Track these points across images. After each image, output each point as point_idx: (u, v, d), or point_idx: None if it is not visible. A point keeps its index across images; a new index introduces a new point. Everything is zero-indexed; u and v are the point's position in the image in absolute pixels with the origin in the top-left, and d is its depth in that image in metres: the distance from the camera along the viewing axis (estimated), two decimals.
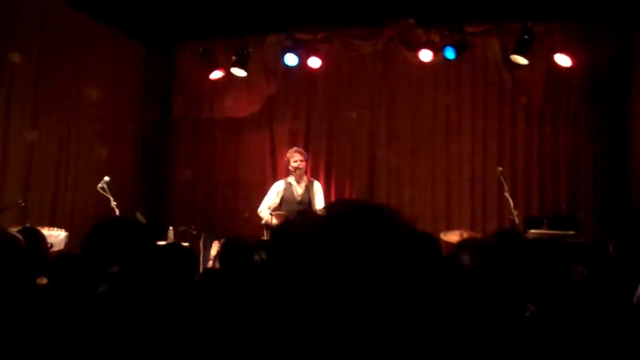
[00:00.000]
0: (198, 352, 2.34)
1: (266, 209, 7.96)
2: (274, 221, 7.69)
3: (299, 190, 8.09)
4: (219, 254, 6.00)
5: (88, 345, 2.25)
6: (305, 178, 8.18)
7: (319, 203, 7.93)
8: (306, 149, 8.96)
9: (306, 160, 8.20)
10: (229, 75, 9.50)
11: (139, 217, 7.35)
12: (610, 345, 2.14)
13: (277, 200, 8.02)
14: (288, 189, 8.09)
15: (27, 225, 5.81)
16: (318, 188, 8.15)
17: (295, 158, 8.07)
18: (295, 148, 8.47)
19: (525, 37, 8.41)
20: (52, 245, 6.03)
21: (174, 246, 4.30)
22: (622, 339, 2.21)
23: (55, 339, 2.30)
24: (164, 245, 4.72)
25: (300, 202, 7.94)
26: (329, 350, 1.24)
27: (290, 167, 8.14)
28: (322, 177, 9.18)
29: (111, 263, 2.57)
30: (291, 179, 8.10)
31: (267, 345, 1.49)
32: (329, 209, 1.37)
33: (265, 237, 7.19)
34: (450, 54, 8.88)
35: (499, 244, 2.76)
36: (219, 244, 7.81)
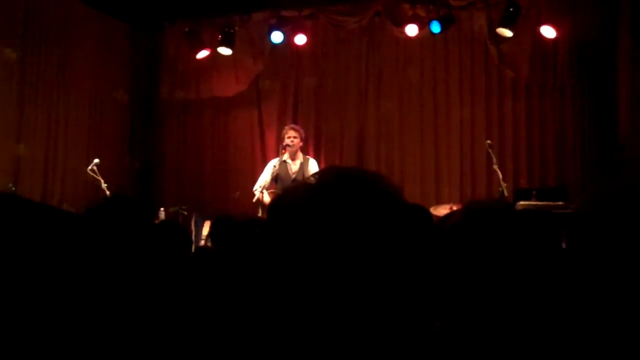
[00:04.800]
0: (191, 329, 2.35)
1: (259, 187, 7.86)
2: (266, 199, 7.66)
3: (293, 167, 8.01)
4: (210, 233, 6.03)
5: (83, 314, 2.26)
6: (300, 156, 8.09)
7: None
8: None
9: (301, 138, 8.08)
10: (215, 55, 9.47)
11: None
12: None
13: (269, 178, 7.92)
14: (282, 167, 7.97)
15: None
16: (314, 166, 8.06)
17: (289, 134, 7.97)
18: (290, 125, 8.42)
19: (511, 9, 8.42)
20: None
21: (170, 224, 4.33)
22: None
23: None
24: (159, 223, 4.74)
25: (294, 180, 7.84)
26: (324, 325, 1.24)
27: (283, 144, 8.05)
28: (311, 153, 9.16)
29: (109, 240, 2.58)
30: (286, 157, 7.99)
31: (261, 320, 1.50)
32: (319, 176, 1.35)
33: (260, 215, 7.17)
34: (436, 28, 8.86)
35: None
36: (211, 223, 7.87)
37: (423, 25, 8.89)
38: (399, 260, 1.26)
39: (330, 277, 1.22)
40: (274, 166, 7.95)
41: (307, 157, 8.31)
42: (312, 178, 1.34)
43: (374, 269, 1.23)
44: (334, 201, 1.25)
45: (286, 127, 8.28)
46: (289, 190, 1.45)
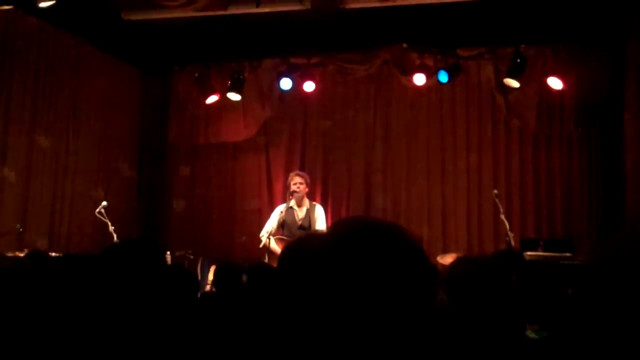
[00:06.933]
0: None
1: (266, 232, 7.84)
2: (273, 245, 7.67)
3: (300, 214, 8.04)
4: (213, 280, 6.02)
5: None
6: (307, 202, 8.12)
7: (320, 227, 7.82)
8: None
9: (307, 184, 8.13)
10: (224, 100, 9.53)
11: None
12: None
13: (276, 224, 7.88)
14: (289, 213, 7.99)
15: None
16: (320, 212, 8.09)
17: (294, 181, 8.01)
18: (296, 172, 8.46)
19: (518, 60, 8.50)
20: None
21: (178, 269, 4.32)
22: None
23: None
24: (167, 266, 4.73)
25: (300, 226, 7.88)
26: None
27: (289, 191, 8.08)
28: (318, 199, 9.16)
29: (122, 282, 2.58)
30: (292, 203, 8.02)
31: None
32: (337, 226, 1.35)
33: (266, 261, 7.15)
34: (443, 77, 8.94)
35: (497, 264, 2.77)
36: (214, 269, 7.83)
37: (431, 74, 8.97)
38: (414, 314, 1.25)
39: (346, 327, 1.22)
40: (281, 212, 7.95)
41: (314, 203, 8.32)
42: (331, 227, 1.34)
43: (391, 321, 1.22)
44: (353, 252, 1.25)
45: (292, 174, 8.30)
46: (304, 239, 1.45)
